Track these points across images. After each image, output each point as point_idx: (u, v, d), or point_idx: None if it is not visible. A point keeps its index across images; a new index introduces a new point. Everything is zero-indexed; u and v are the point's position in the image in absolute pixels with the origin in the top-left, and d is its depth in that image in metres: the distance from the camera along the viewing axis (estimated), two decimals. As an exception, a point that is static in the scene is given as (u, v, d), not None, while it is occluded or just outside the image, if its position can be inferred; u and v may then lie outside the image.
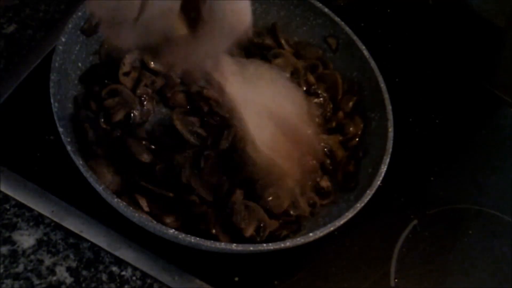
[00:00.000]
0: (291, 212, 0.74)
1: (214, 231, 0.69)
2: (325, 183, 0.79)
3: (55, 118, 0.66)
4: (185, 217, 0.70)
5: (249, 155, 0.68)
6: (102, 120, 0.73)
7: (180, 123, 0.74)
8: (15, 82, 0.79)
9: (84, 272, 0.69)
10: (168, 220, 0.69)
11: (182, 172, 0.70)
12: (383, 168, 0.75)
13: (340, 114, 0.86)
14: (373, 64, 0.85)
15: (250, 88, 0.66)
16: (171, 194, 0.70)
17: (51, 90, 0.68)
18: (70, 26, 0.73)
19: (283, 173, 0.71)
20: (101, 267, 0.70)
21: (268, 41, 0.89)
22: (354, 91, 0.87)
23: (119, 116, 0.74)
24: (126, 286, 0.69)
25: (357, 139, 0.83)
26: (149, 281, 0.70)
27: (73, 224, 0.71)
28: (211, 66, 0.61)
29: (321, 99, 0.86)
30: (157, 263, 0.71)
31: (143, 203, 0.69)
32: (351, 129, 0.84)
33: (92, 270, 0.69)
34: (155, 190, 0.70)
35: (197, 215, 0.70)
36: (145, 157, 0.71)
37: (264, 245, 0.66)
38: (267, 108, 0.67)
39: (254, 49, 0.88)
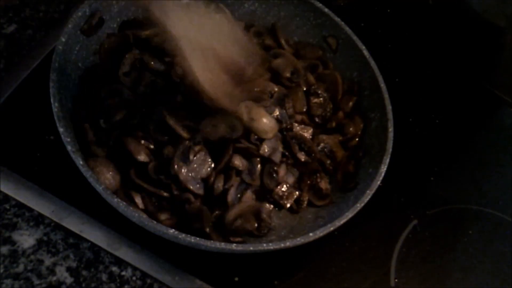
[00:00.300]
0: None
1: (207, 230, 0.69)
2: (324, 185, 0.79)
3: (55, 118, 0.66)
4: (180, 215, 0.70)
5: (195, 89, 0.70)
6: (102, 120, 0.73)
7: (171, 118, 0.74)
8: (15, 82, 0.79)
9: (84, 272, 0.69)
10: (163, 217, 0.69)
11: (170, 165, 0.71)
12: (383, 168, 0.75)
13: (340, 114, 0.86)
14: (373, 64, 0.85)
15: (191, 27, 0.68)
16: (165, 194, 0.70)
17: (51, 90, 0.68)
18: (70, 26, 0.73)
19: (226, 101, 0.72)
20: (101, 267, 0.70)
21: (268, 41, 0.89)
22: (354, 91, 0.87)
23: (119, 116, 0.74)
24: (126, 286, 0.69)
25: (357, 139, 0.84)
26: (149, 281, 0.70)
27: (73, 224, 0.71)
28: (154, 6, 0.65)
29: (321, 99, 0.86)
30: (157, 263, 0.71)
31: (138, 200, 0.69)
32: (351, 129, 0.84)
33: (92, 270, 0.69)
34: (149, 188, 0.70)
35: (191, 213, 0.70)
36: (143, 157, 0.71)
37: (264, 245, 0.66)
38: (205, 43, 0.69)
39: None
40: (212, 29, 0.70)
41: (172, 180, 0.71)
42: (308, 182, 0.79)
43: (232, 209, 0.72)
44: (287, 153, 0.79)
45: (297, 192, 0.78)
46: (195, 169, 0.72)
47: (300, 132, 0.82)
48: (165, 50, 0.80)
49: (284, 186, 0.77)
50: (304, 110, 0.85)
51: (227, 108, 0.73)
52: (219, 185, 0.73)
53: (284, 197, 0.77)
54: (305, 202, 0.78)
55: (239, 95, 0.74)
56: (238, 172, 0.75)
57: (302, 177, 0.79)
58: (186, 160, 0.71)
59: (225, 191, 0.73)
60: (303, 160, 0.79)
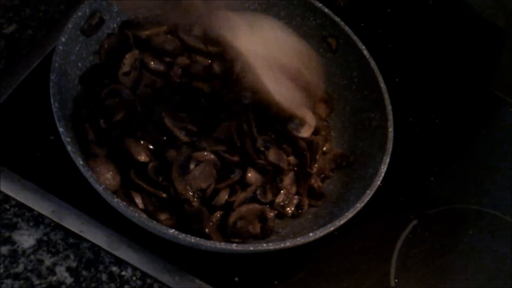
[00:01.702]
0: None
1: (206, 230, 0.69)
2: (316, 184, 0.79)
3: (55, 118, 0.66)
4: (179, 215, 0.70)
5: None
6: (102, 120, 0.73)
7: (169, 119, 0.74)
8: (15, 82, 0.79)
9: (84, 272, 0.69)
10: (163, 217, 0.69)
11: (171, 171, 0.71)
12: (383, 168, 0.75)
13: None
14: (373, 64, 0.85)
15: (253, 38, 0.70)
16: (164, 195, 0.70)
17: (51, 90, 0.68)
18: (70, 26, 0.73)
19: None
20: (101, 267, 0.70)
21: None
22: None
23: (119, 116, 0.74)
24: (126, 286, 0.69)
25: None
26: (149, 281, 0.70)
27: (73, 224, 0.71)
28: (215, 22, 0.67)
29: None
30: (157, 263, 0.71)
31: (138, 200, 0.69)
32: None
33: (92, 270, 0.69)
34: (148, 189, 0.70)
35: (190, 214, 0.70)
36: (143, 157, 0.71)
37: (264, 245, 0.66)
38: (270, 53, 0.71)
39: None
40: (272, 40, 0.72)
41: (170, 183, 0.71)
42: (306, 185, 0.79)
43: (234, 211, 0.72)
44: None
45: (296, 197, 0.77)
46: (195, 179, 0.71)
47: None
48: (165, 50, 0.80)
49: (283, 194, 0.76)
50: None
51: (296, 114, 0.78)
52: (223, 198, 0.72)
53: (285, 205, 0.76)
54: (306, 206, 0.78)
55: (303, 99, 0.76)
56: (244, 186, 0.75)
57: (298, 182, 0.79)
58: (185, 171, 0.71)
59: (228, 203, 0.73)
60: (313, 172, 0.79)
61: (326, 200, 0.79)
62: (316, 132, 0.83)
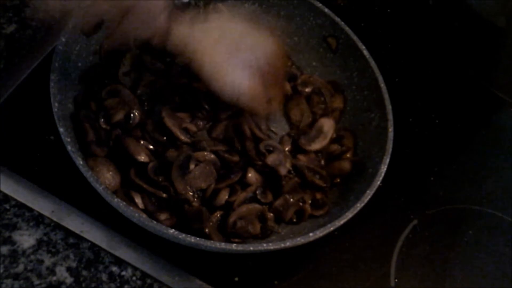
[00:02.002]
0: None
1: (206, 230, 0.69)
2: (319, 194, 0.79)
3: (55, 118, 0.66)
4: (179, 215, 0.70)
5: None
6: (102, 120, 0.74)
7: (170, 120, 0.74)
8: (15, 82, 0.79)
9: (84, 272, 0.69)
10: (163, 217, 0.69)
11: (171, 171, 0.71)
12: (383, 168, 0.75)
13: None
14: (373, 64, 0.85)
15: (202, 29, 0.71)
16: (164, 195, 0.70)
17: (51, 90, 0.68)
18: (70, 26, 0.73)
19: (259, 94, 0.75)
20: (101, 267, 0.70)
21: None
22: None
23: (119, 116, 0.74)
24: (126, 286, 0.69)
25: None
26: (149, 281, 0.70)
27: (73, 224, 0.71)
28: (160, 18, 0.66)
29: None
30: (157, 263, 0.71)
31: (138, 200, 0.69)
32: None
33: (92, 270, 0.69)
34: (149, 189, 0.70)
35: (190, 214, 0.70)
36: (143, 157, 0.71)
37: (264, 245, 0.66)
38: (227, 41, 0.72)
39: None
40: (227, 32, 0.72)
41: (170, 183, 0.71)
42: (310, 196, 0.78)
43: (234, 211, 0.72)
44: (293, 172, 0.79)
45: (296, 203, 0.77)
46: (195, 179, 0.71)
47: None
48: (165, 50, 0.80)
49: (282, 199, 0.75)
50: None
51: (256, 111, 0.76)
52: (223, 198, 0.72)
53: (284, 210, 0.75)
54: (307, 215, 0.77)
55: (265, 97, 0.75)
56: (244, 186, 0.74)
57: (304, 188, 0.78)
58: (185, 171, 0.71)
59: (228, 203, 0.73)
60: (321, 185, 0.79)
61: (328, 209, 0.78)
62: (338, 139, 0.83)
